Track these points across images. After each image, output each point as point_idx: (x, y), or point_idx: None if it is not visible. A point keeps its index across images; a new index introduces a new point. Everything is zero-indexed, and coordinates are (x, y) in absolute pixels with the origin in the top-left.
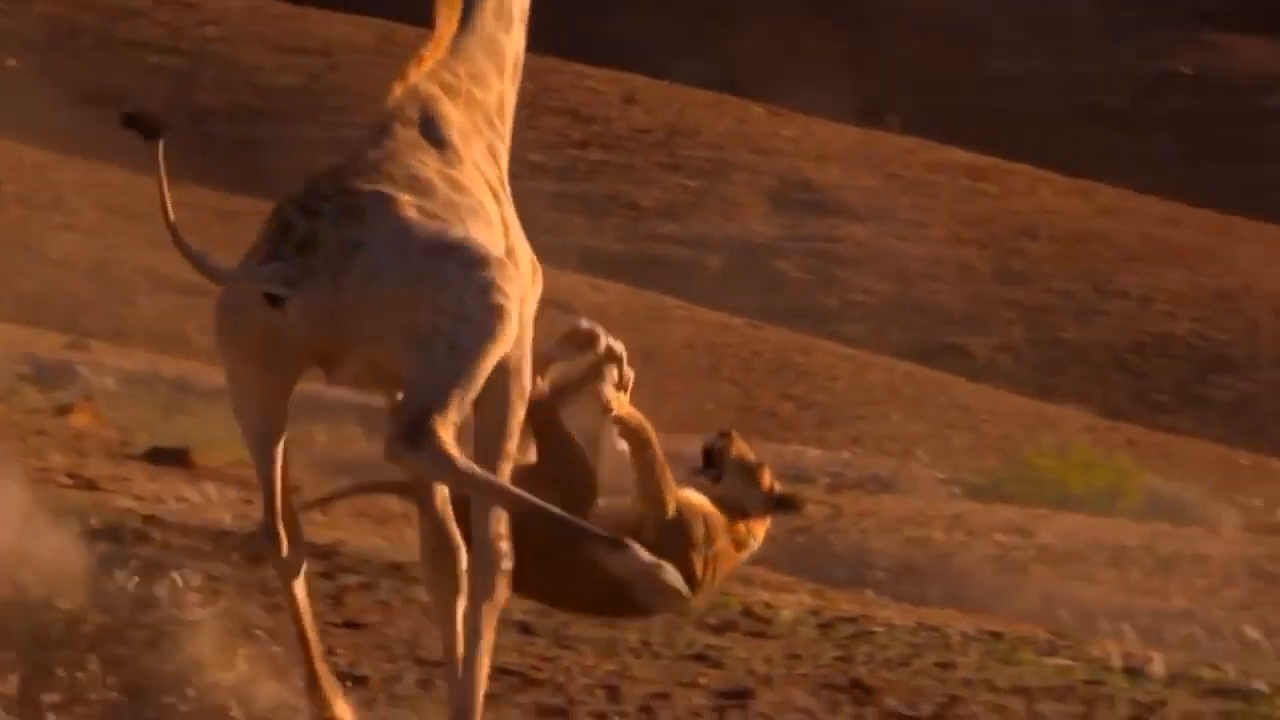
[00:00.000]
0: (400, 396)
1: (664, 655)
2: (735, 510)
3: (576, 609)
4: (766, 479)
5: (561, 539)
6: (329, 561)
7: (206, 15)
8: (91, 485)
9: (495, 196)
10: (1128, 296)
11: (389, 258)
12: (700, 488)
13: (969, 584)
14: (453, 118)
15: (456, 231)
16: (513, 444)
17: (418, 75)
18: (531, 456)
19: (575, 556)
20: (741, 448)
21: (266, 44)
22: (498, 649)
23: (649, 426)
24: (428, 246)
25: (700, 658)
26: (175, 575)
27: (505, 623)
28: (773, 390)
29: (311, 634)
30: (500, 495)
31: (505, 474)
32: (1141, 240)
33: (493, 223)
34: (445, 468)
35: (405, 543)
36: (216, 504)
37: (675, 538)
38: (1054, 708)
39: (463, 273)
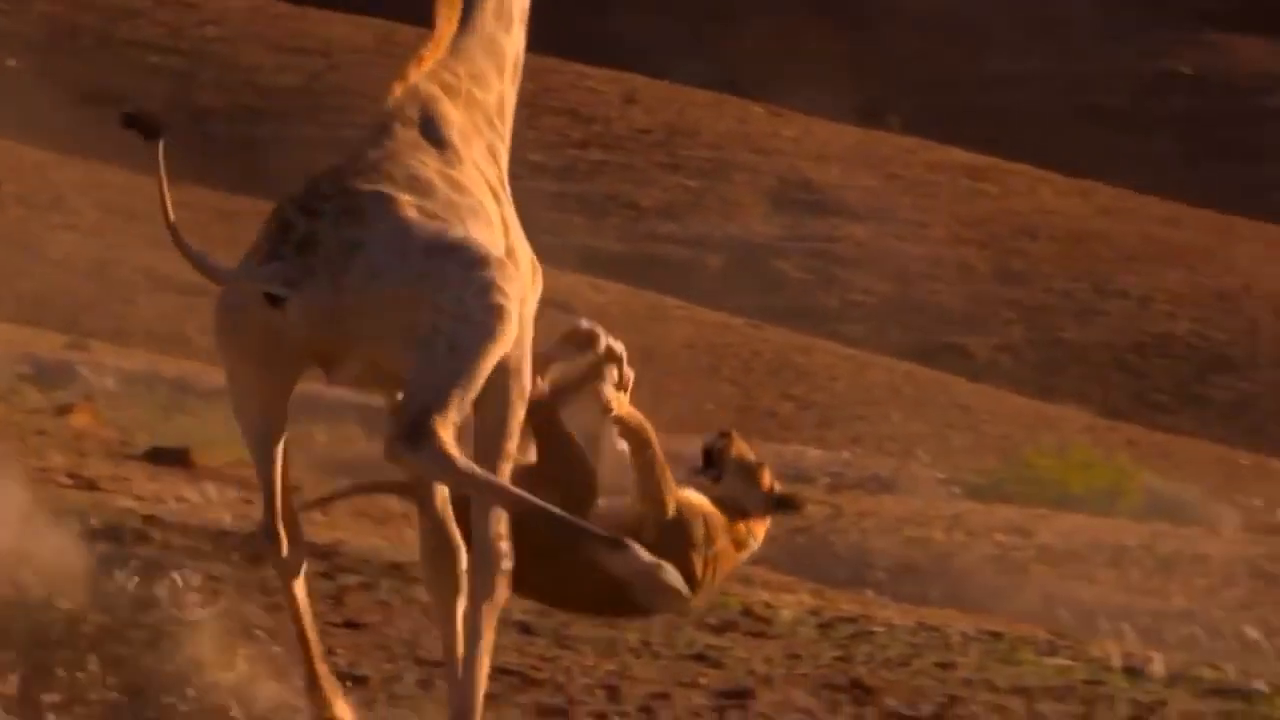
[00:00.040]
0: (400, 396)
1: (664, 655)
2: (735, 510)
3: (576, 609)
4: (766, 479)
5: (561, 539)
6: (329, 561)
7: (206, 15)
8: (91, 485)
9: (495, 196)
10: (1128, 296)
11: (389, 258)
12: (700, 488)
13: (969, 584)
14: (453, 118)
15: (456, 231)
16: (513, 444)
17: (418, 75)
18: (531, 456)
19: (575, 556)
20: (741, 448)
21: (266, 44)
22: (498, 649)
23: (649, 426)
24: (428, 246)
25: (700, 658)
26: (175, 575)
27: (505, 623)
28: (773, 390)
29: (311, 634)
30: (500, 495)
31: (505, 474)
32: (1141, 240)
33: (493, 223)
34: (445, 468)
35: (405, 543)
36: (216, 504)
37: (675, 538)
38: (1054, 708)
39: (463, 272)
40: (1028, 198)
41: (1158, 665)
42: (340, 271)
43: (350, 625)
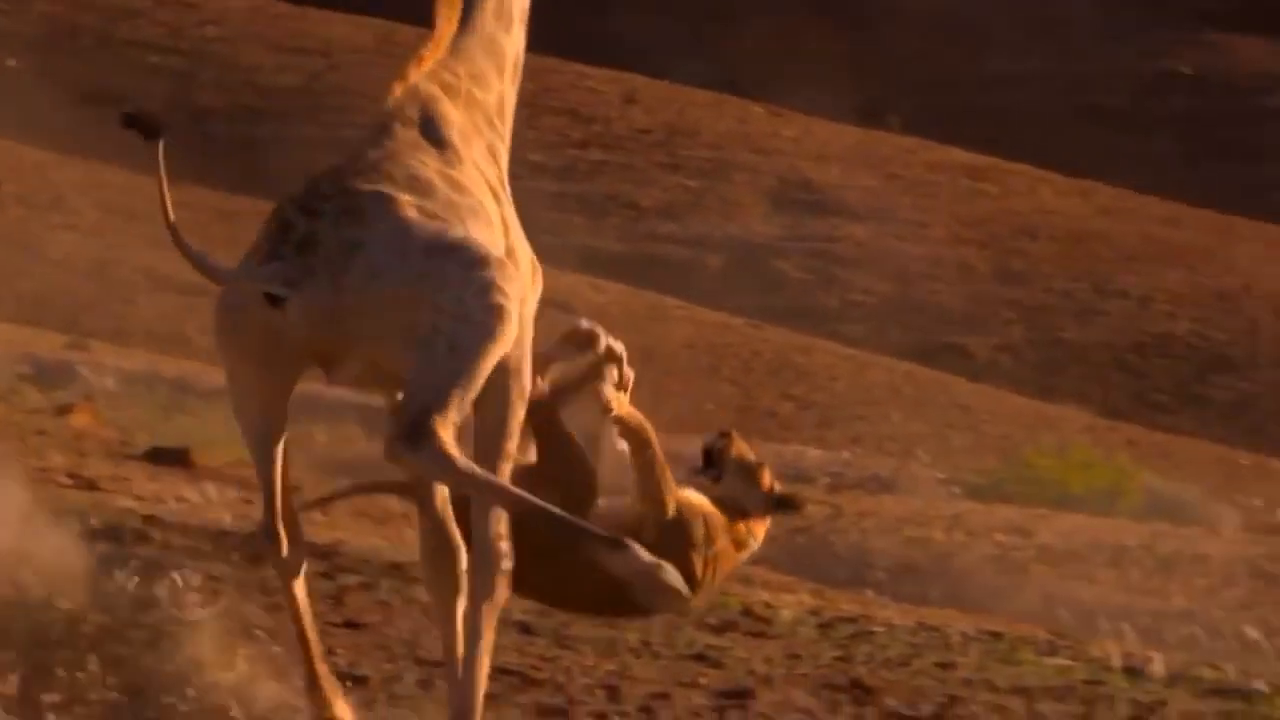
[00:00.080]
0: (400, 396)
1: (664, 655)
2: (735, 510)
3: (576, 609)
4: (766, 479)
5: (561, 539)
6: (329, 561)
7: (206, 15)
8: (91, 485)
9: (495, 196)
10: (1128, 296)
11: (389, 257)
12: (700, 488)
13: (969, 584)
14: (453, 118)
15: (456, 231)
16: (513, 444)
17: (418, 75)
18: (531, 456)
19: (575, 556)
20: (741, 448)
21: (266, 44)
22: (498, 649)
23: (649, 426)
24: (428, 246)
25: (700, 658)
26: (175, 575)
27: (505, 623)
28: (773, 390)
29: (311, 634)
30: (500, 495)
31: (505, 474)
32: (1141, 240)
33: (493, 223)
34: (445, 468)
35: (405, 543)
36: (216, 504)
37: (675, 538)
38: (1054, 708)
39: (463, 272)
40: (1028, 198)
41: (1158, 665)
42: (340, 271)
43: (350, 625)
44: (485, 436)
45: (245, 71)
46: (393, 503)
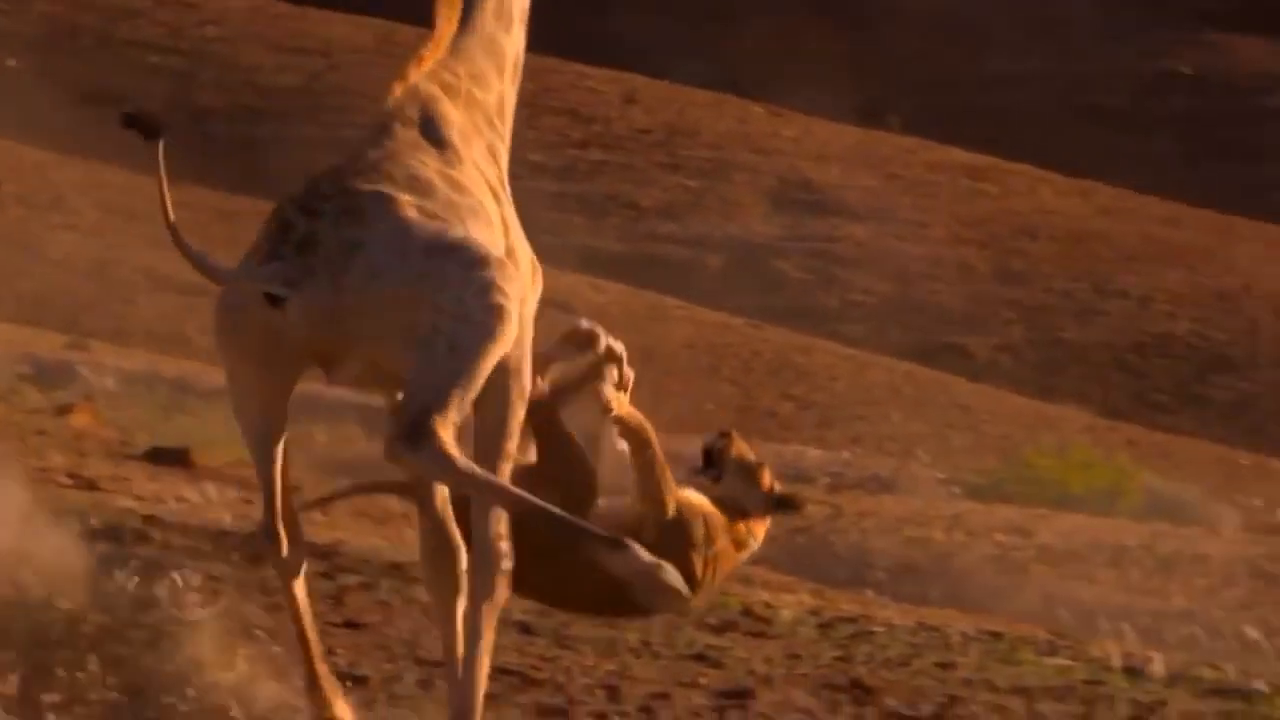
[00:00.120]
0: (400, 396)
1: (664, 655)
2: (735, 510)
3: (576, 609)
4: (766, 479)
5: (561, 539)
6: (329, 561)
7: (206, 15)
8: (91, 485)
9: (495, 196)
10: (1128, 296)
11: (389, 258)
12: (700, 488)
13: (969, 584)
14: (453, 118)
15: (456, 231)
16: (513, 444)
17: (418, 75)
18: (531, 456)
19: (575, 556)
20: (741, 448)
21: (266, 44)
22: (498, 649)
23: (649, 426)
24: (427, 246)
25: (700, 658)
26: (175, 575)
27: (505, 623)
28: (773, 390)
29: (311, 634)
30: (501, 495)
31: (505, 474)
32: (1141, 240)
33: (493, 223)
34: (445, 468)
35: (405, 543)
36: (216, 504)
37: (675, 538)
38: (1054, 708)
39: (463, 273)
40: (1028, 198)
41: (1158, 665)
42: (340, 272)
43: (350, 625)
44: (485, 436)
45: (245, 71)
46: (393, 503)
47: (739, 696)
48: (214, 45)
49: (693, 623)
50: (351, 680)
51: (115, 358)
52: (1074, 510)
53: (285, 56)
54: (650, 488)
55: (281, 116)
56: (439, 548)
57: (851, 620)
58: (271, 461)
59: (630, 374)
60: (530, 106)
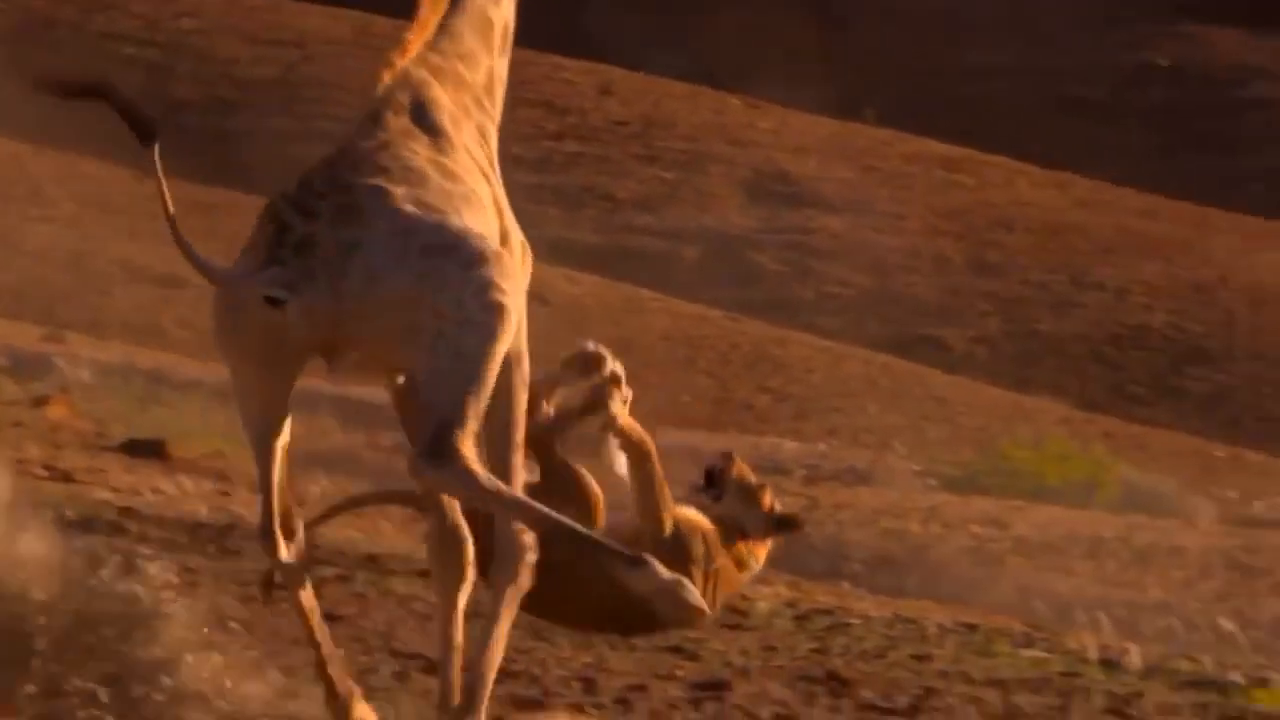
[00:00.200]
0: (400, 380)
1: (640, 647)
2: (735, 530)
3: (580, 624)
4: (767, 500)
5: (575, 555)
6: None
7: (182, 7)
8: (67, 477)
9: (486, 179)
10: (1104, 288)
11: (387, 258)
12: (700, 507)
13: (945, 576)
14: (443, 102)
15: (453, 225)
16: (521, 433)
17: (404, 61)
18: (535, 475)
19: (578, 572)
20: (743, 468)
21: (242, 36)
22: (472, 643)
23: (650, 440)
24: (425, 246)
25: (676, 650)
26: (151, 567)
27: (481, 616)
28: (749, 382)
29: (324, 640)
30: (523, 511)
31: (518, 464)
32: (1118, 232)
33: (486, 209)
34: (469, 485)
35: (381, 535)
36: (192, 496)
37: (674, 554)
38: (1030, 699)
39: (461, 272)
40: (1004, 189)
41: (1134, 657)
42: (339, 275)
43: (326, 617)
44: (494, 429)
45: (221, 63)
46: None
47: (715, 688)
48: (190, 37)
49: None
50: None
51: (91, 349)
52: (1050, 502)
53: (261, 48)
54: (648, 504)
55: (257, 108)
56: (447, 538)
57: (828, 612)
58: (271, 458)
59: (629, 393)
60: (506, 98)
